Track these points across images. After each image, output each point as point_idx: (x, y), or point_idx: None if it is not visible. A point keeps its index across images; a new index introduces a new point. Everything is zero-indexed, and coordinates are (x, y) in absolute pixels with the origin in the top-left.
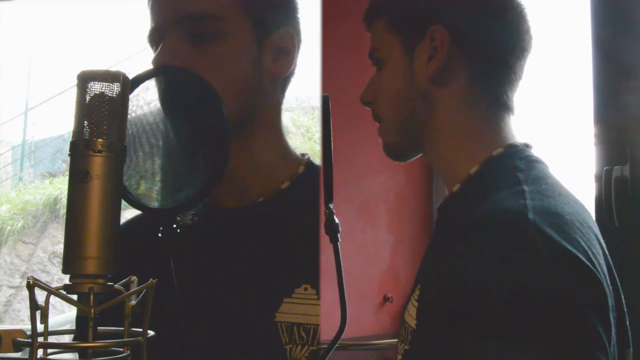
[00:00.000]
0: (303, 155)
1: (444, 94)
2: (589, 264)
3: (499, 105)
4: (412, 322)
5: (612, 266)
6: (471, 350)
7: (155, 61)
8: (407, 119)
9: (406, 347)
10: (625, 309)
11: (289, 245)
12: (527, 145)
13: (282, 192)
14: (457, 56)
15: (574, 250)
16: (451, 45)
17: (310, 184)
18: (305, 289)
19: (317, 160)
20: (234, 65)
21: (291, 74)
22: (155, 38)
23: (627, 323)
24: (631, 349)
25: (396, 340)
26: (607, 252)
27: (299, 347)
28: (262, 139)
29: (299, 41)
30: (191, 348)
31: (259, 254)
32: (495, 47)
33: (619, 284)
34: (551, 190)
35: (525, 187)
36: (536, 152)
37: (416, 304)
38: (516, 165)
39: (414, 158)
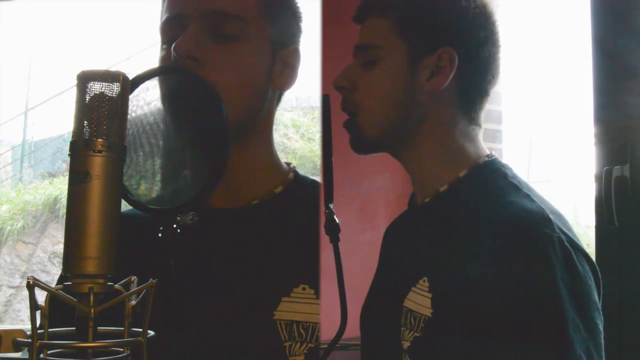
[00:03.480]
0: (288, 164)
1: (436, 108)
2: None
3: (475, 123)
4: (425, 311)
5: None
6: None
7: (177, 49)
8: (398, 122)
9: (417, 334)
10: None
11: (285, 246)
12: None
13: (276, 196)
14: (452, 78)
15: (582, 246)
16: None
17: (300, 190)
18: (304, 289)
19: (317, 160)
20: (250, 68)
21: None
22: (172, 27)
23: None
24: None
25: None
26: None
27: (298, 345)
28: (257, 145)
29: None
30: (190, 347)
31: (255, 255)
32: (482, 77)
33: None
34: (540, 195)
35: (527, 192)
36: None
37: (429, 294)
38: (503, 171)
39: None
